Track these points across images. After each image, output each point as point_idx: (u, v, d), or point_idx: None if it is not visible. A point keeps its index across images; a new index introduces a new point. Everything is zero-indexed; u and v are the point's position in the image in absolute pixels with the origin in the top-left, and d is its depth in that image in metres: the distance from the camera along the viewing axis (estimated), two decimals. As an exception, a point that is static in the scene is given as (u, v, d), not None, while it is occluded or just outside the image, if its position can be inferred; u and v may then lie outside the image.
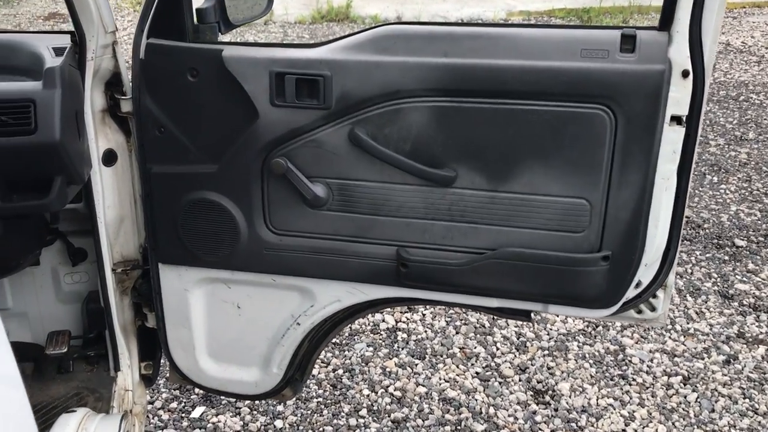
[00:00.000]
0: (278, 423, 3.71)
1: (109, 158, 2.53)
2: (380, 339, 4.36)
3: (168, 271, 2.63)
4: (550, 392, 3.93)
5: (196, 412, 3.79)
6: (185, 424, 3.73)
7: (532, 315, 2.80)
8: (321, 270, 2.47)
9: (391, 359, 4.18)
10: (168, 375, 2.99)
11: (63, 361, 2.83)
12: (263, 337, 2.71)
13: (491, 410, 3.79)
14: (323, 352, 3.80)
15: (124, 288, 2.82)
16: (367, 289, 2.47)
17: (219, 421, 3.71)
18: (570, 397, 3.90)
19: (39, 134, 2.11)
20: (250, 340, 2.73)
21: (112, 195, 2.60)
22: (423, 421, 3.74)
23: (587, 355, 4.22)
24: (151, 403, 3.85)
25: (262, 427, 3.68)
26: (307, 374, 2.84)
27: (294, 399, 3.74)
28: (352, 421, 3.73)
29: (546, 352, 4.25)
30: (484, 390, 3.94)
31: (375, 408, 3.83)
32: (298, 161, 2.32)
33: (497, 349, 4.27)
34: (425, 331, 4.41)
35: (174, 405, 3.85)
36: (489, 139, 2.16)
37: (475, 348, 4.29)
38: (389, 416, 3.76)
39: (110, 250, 2.66)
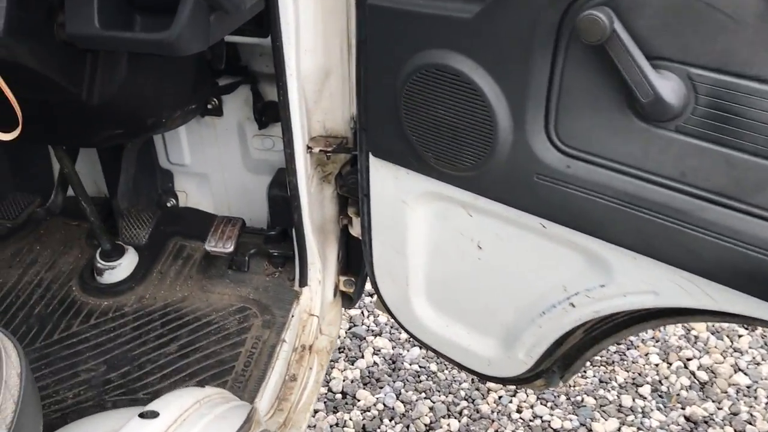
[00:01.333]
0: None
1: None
2: None
3: (382, 169, 1.68)
4: None
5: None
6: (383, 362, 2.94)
7: None
8: (637, 236, 1.32)
9: None
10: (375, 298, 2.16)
11: (237, 254, 2.09)
12: (512, 304, 1.69)
13: None
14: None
15: (325, 174, 1.93)
16: (720, 292, 1.28)
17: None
18: None
19: None
20: (492, 301, 1.73)
21: (312, 34, 1.63)
22: None
23: None
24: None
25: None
26: (571, 372, 1.79)
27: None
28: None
29: None
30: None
31: None
32: (635, 22, 1.13)
33: None
34: None
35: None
36: None
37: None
38: None
39: (305, 116, 1.75)
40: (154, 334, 1.93)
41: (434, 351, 2.01)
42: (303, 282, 2.04)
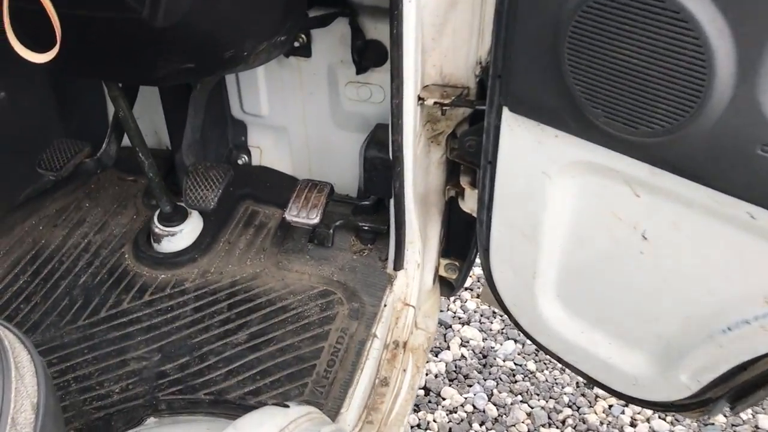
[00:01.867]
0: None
1: None
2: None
3: (520, 129, 1.32)
4: None
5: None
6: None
7: None
8: None
9: None
10: (480, 291, 1.79)
11: (321, 225, 1.75)
12: (681, 313, 1.31)
13: None
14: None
15: (435, 134, 1.57)
16: None
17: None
18: None
19: None
20: (651, 307, 1.35)
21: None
22: None
23: None
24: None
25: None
26: (746, 403, 1.40)
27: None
28: None
29: None
30: None
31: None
32: None
33: None
34: None
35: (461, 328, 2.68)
36: None
37: None
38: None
39: (417, 57, 1.39)
40: (219, 319, 1.60)
41: (560, 360, 1.64)
42: (399, 264, 1.69)
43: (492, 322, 2.58)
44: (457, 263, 1.80)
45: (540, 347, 1.65)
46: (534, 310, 1.57)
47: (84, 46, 1.25)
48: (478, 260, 1.65)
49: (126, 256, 1.77)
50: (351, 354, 1.54)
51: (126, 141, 1.73)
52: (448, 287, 1.87)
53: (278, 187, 1.93)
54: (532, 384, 2.38)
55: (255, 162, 2.01)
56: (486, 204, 1.51)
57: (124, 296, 1.66)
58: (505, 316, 1.97)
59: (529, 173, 1.37)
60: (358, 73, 1.63)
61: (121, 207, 1.92)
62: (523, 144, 1.34)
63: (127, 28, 1.16)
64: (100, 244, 1.81)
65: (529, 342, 2.60)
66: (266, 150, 1.99)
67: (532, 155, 1.33)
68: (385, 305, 1.65)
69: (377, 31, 1.63)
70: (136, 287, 1.69)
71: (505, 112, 1.33)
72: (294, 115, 1.87)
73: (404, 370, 1.65)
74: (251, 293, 1.66)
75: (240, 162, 1.97)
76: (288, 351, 1.54)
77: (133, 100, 1.68)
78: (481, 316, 2.60)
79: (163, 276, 1.71)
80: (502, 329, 2.56)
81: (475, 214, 1.62)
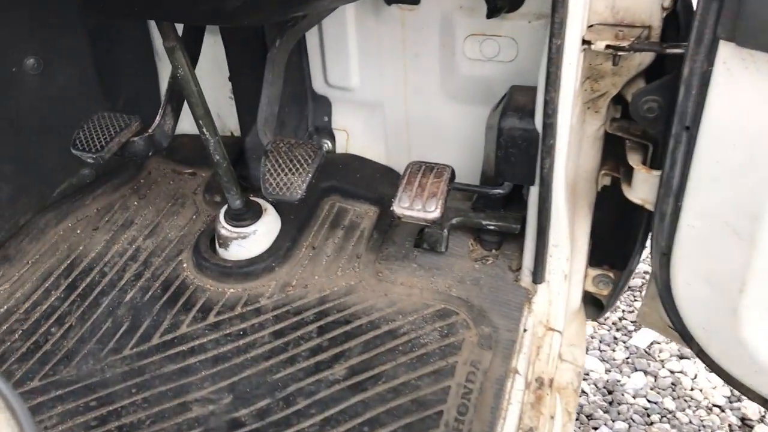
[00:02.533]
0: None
1: None
2: None
3: (748, 71, 0.92)
4: None
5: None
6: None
7: None
8: None
9: None
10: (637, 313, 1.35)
11: (430, 226, 1.35)
12: None
13: None
14: None
15: (596, 95, 1.17)
16: None
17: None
18: None
19: None
20: None
21: None
22: None
23: None
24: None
25: None
26: None
27: None
28: None
29: None
30: None
31: None
32: None
33: None
34: None
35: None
36: None
37: None
38: None
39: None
40: (307, 347, 1.21)
41: (765, 403, 1.22)
42: (540, 276, 1.28)
43: (614, 350, 2.14)
44: (610, 274, 1.38)
45: (732, 383, 1.23)
46: (734, 335, 1.16)
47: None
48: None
49: (184, 265, 1.40)
50: (487, 396, 1.13)
51: (182, 125, 1.37)
52: (594, 307, 1.45)
53: (370, 179, 1.54)
54: (673, 427, 1.94)
55: (340, 149, 1.62)
56: (675, 189, 1.10)
57: (183, 317, 1.28)
58: (672, 341, 1.55)
59: (756, 139, 0.96)
60: (489, 15, 1.24)
61: (177, 205, 1.55)
62: (753, 95, 0.93)
63: None
64: (151, 251, 1.44)
65: (663, 375, 2.16)
66: (354, 133, 1.60)
67: (765, 110, 0.92)
68: (525, 330, 1.24)
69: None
70: (198, 305, 1.31)
71: (724, 51, 0.94)
72: (392, 86, 1.48)
73: (552, 417, 1.23)
74: (346, 313, 1.27)
75: (323, 148, 1.59)
76: (403, 392, 1.13)
77: (195, 57, 1.31)
78: (601, 342, 2.17)
79: (232, 290, 1.33)
80: (627, 358, 2.12)
81: (648, 206, 1.21)
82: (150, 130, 1.30)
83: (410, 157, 1.59)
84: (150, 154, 1.31)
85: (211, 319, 1.28)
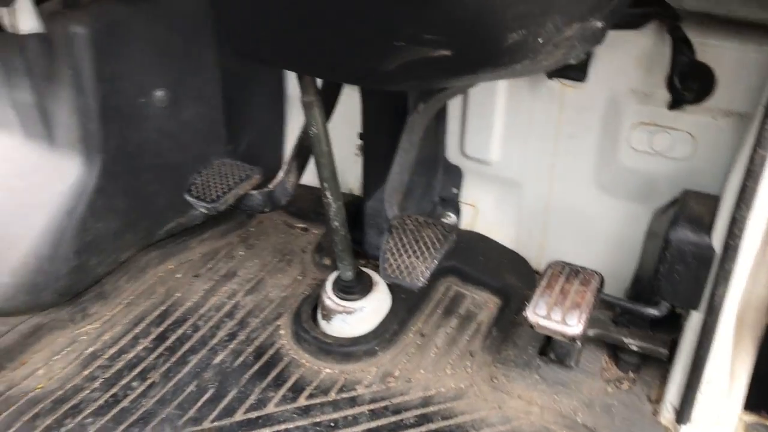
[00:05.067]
0: None
1: None
2: None
3: None
4: None
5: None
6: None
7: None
8: None
9: None
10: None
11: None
12: None
13: None
14: None
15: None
16: None
17: None
18: None
19: None
20: None
21: None
22: None
23: None
24: None
25: None
26: None
27: None
28: None
29: None
30: None
31: None
32: None
33: None
34: None
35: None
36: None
37: None
38: None
39: None
40: (404, 454, 1.07)
41: None
42: (685, 415, 1.08)
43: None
44: (766, 423, 1.17)
45: None
46: None
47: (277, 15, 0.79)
48: None
49: (281, 332, 1.29)
50: None
51: (305, 177, 1.27)
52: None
53: (495, 264, 1.40)
54: None
55: (465, 224, 1.49)
56: None
57: (272, 393, 1.17)
58: None
59: None
60: (673, 106, 1.08)
61: (284, 262, 1.46)
62: None
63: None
64: (250, 309, 1.34)
65: None
66: (484, 209, 1.46)
67: None
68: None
69: (704, 49, 1.07)
70: (290, 383, 1.19)
71: None
72: (536, 166, 1.34)
73: None
74: (452, 423, 1.12)
75: (446, 221, 1.46)
76: None
77: (329, 112, 1.21)
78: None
79: (328, 371, 1.21)
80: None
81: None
82: (271, 186, 1.20)
83: (544, 247, 1.43)
84: (266, 210, 1.21)
85: (302, 401, 1.16)
